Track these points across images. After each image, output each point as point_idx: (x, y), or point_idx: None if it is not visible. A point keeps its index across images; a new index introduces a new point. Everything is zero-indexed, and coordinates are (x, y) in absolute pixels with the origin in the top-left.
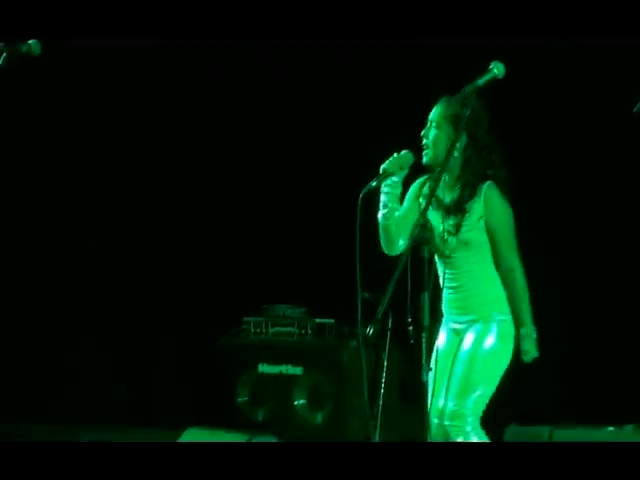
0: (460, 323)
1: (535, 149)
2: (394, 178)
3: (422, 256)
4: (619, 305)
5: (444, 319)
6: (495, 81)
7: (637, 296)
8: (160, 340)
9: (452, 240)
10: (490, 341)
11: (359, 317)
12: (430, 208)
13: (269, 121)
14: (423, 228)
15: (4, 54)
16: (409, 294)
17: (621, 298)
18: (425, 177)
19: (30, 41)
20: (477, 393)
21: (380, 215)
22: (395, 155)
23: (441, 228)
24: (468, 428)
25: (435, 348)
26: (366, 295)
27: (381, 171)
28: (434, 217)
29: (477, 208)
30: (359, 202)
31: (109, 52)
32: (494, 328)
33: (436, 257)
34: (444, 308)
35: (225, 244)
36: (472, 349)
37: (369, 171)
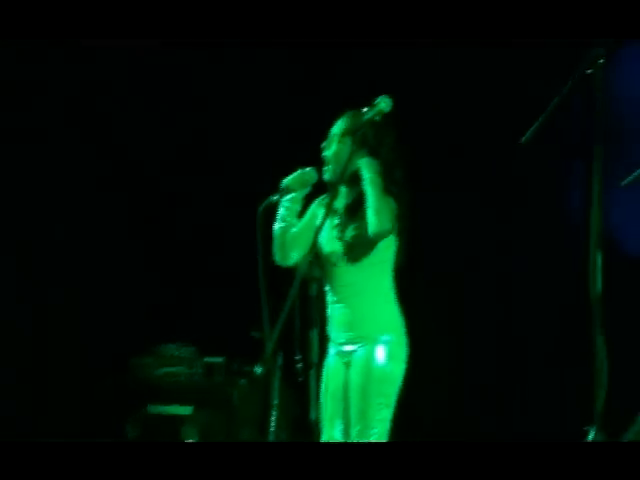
0: (346, 344)
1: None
2: (294, 194)
3: (310, 294)
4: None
5: (330, 342)
6: (383, 115)
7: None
8: (49, 379)
9: (340, 245)
10: (380, 365)
11: (266, 329)
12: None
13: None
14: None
15: None
16: (297, 331)
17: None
18: (326, 195)
19: None
20: (377, 419)
21: (277, 228)
22: (298, 171)
23: (332, 234)
24: None
25: (324, 375)
26: (255, 333)
27: (282, 186)
28: (327, 226)
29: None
30: (259, 215)
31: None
32: (383, 350)
33: (326, 274)
34: (330, 327)
35: (111, 282)
36: (362, 376)
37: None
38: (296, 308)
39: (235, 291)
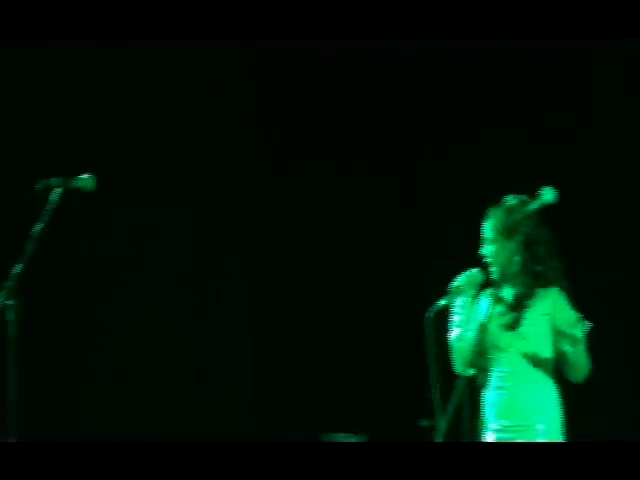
0: (503, 431)
1: None
2: (464, 297)
3: (478, 384)
4: None
5: (486, 428)
6: (548, 207)
7: None
8: None
9: (508, 335)
10: None
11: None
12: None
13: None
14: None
15: (60, 189)
16: (466, 421)
17: None
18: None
19: (84, 176)
20: None
21: (453, 336)
22: (466, 273)
23: (499, 321)
24: None
25: None
26: (424, 422)
27: (452, 289)
28: (495, 313)
29: (540, 305)
30: (429, 321)
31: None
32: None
33: (492, 360)
34: (488, 413)
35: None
36: None
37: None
38: (465, 397)
39: (404, 378)
